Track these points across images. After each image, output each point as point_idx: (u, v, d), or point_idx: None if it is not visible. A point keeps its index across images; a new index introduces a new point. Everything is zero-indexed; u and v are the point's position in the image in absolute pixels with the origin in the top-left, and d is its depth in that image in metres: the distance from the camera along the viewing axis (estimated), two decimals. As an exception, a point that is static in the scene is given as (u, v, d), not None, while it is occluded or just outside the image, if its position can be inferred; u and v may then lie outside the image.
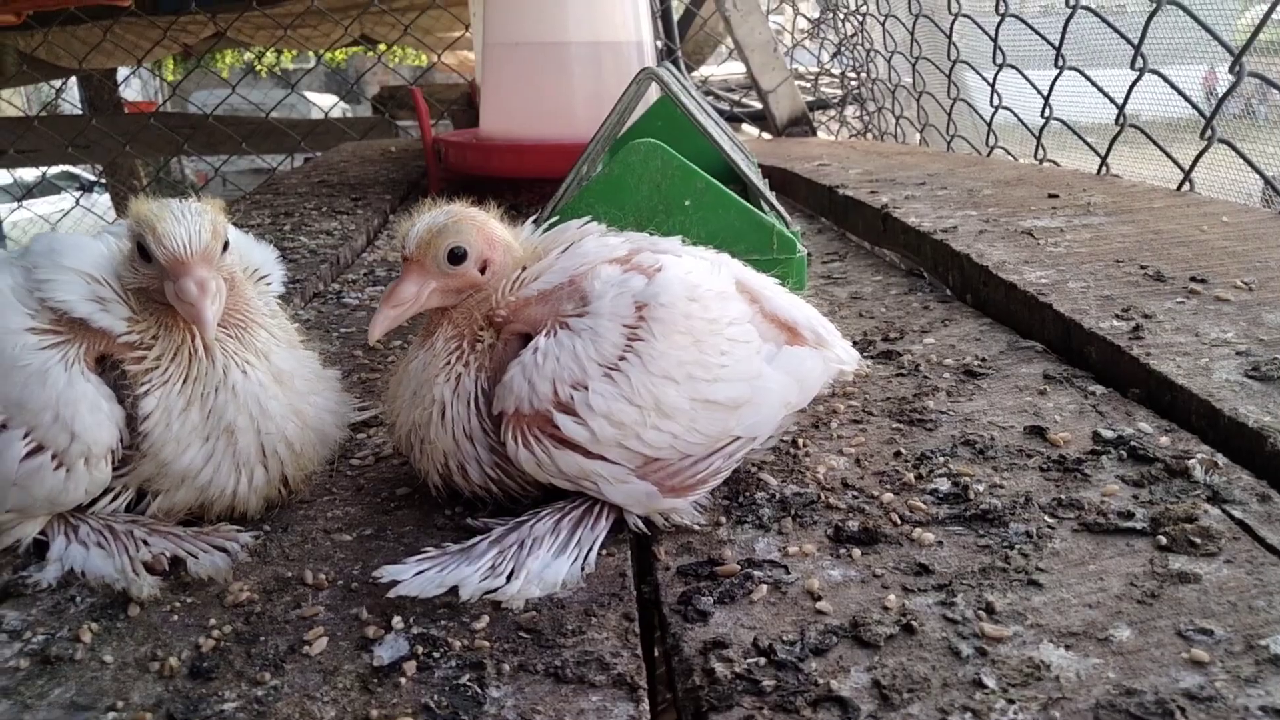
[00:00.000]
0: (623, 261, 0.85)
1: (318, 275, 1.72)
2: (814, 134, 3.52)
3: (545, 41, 2.25)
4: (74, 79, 7.19)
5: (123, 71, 7.18)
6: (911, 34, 2.81)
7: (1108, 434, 0.93)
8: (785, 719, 0.59)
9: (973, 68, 2.48)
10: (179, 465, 0.80)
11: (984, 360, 1.16)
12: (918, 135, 3.08)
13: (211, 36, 5.80)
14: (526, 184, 2.53)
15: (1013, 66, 2.29)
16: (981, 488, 0.85)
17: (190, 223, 0.77)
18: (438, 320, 0.87)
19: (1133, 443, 0.91)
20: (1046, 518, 0.80)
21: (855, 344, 1.25)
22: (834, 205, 2.05)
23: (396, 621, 0.71)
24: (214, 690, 0.65)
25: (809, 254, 1.19)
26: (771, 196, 1.26)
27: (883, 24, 3.19)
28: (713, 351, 0.81)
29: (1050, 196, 1.82)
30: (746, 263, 0.98)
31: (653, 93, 1.71)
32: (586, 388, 0.77)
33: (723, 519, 0.84)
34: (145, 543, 0.79)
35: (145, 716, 0.62)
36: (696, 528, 0.82)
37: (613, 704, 0.62)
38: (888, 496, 0.85)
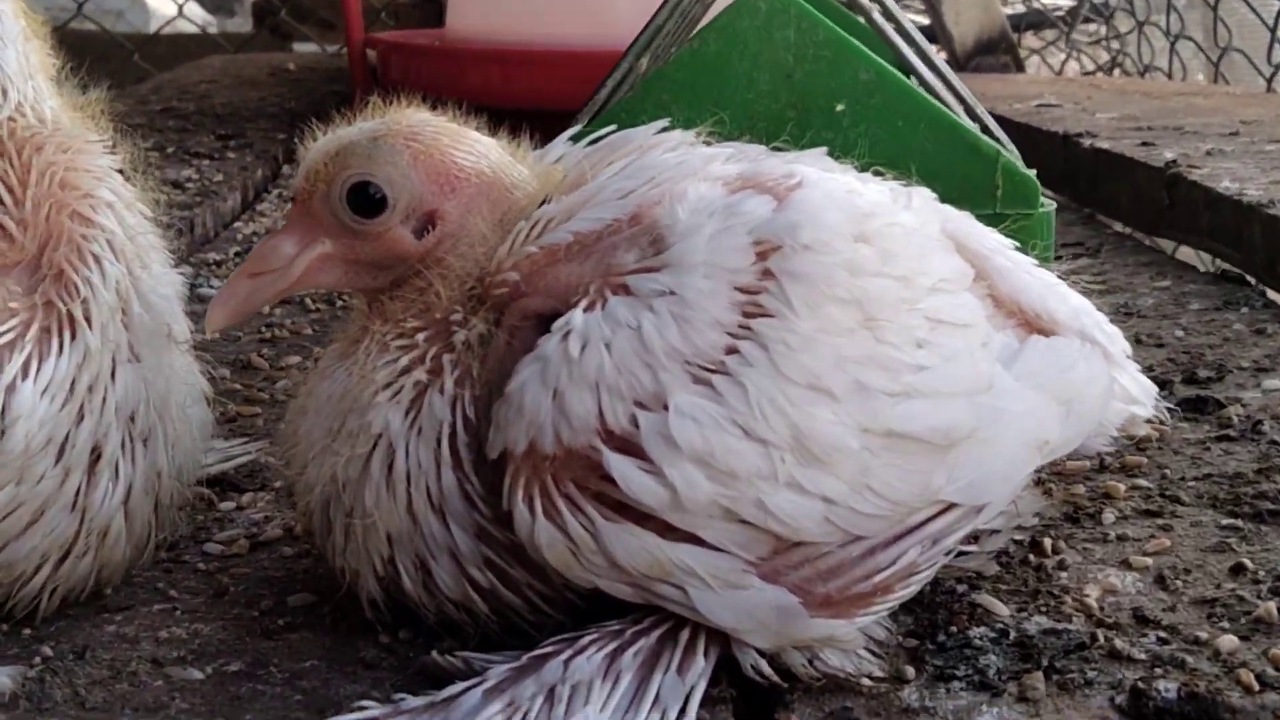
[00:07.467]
0: (727, 181, 0.49)
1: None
2: (1019, 67, 2.65)
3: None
4: None
5: None
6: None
7: None
8: None
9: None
10: None
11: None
12: (1210, 68, 2.29)
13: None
14: (527, 117, 2.01)
15: None
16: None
17: None
18: (370, 314, 0.55)
19: None
20: None
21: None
22: (1073, 166, 1.54)
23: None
24: None
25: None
26: (997, 128, 0.80)
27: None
28: (903, 340, 0.50)
29: None
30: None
31: None
32: (665, 406, 0.47)
33: (910, 669, 0.51)
34: None
35: None
36: (865, 681, 0.49)
37: None
38: (1226, 641, 0.48)
